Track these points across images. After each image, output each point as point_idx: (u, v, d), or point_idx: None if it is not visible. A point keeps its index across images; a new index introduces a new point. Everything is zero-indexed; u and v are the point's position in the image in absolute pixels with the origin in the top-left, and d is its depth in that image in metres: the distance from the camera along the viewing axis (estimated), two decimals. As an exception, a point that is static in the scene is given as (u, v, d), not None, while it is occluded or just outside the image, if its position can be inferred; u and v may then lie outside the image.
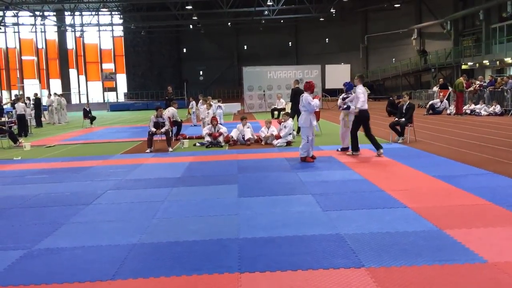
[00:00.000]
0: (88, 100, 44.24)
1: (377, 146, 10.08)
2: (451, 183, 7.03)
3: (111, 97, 50.72)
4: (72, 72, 49.57)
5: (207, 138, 13.14)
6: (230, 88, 49.49)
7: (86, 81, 50.86)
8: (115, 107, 41.80)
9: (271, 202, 6.37)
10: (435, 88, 26.42)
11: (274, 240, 4.76)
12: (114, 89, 51.42)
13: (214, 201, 6.52)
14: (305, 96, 9.67)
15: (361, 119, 10.12)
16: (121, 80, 51.88)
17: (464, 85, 20.40)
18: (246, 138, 13.07)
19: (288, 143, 12.45)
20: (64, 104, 26.77)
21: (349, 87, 10.86)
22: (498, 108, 19.15)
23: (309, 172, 8.50)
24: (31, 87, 44.55)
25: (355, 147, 10.23)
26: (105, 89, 50.66)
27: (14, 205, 6.65)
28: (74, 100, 48.89)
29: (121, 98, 50.98)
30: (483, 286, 3.53)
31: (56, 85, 47.76)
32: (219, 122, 14.17)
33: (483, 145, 11.02)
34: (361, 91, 10.05)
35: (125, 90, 51.75)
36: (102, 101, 48.57)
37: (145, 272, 4.00)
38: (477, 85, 21.11)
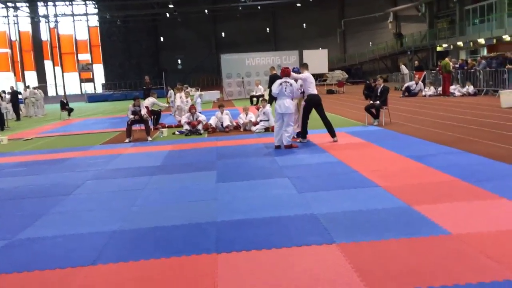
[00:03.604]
0: (65, 92, 43.69)
1: (332, 134, 10.02)
2: (422, 162, 7.29)
3: (88, 88, 50.16)
4: (48, 64, 48.82)
5: (186, 127, 13.21)
6: (209, 76, 49.35)
7: (62, 72, 50.18)
8: (93, 98, 41.39)
9: (249, 187, 6.52)
10: (405, 71, 26.81)
11: (251, 222, 4.93)
12: (91, 80, 50.85)
13: (193, 188, 6.65)
14: (294, 83, 9.71)
15: (310, 104, 10.08)
16: (98, 71, 51.30)
17: (451, 65, 20.68)
18: (224, 125, 13.19)
19: (267, 129, 12.60)
20: (41, 96, 26.45)
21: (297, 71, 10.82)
22: (471, 89, 19.57)
23: (286, 156, 8.68)
24: (6, 80, 43.79)
25: (303, 134, 10.13)
26: (82, 80, 50.06)
27: (-7, 198, 6.69)
28: (51, 92, 48.19)
29: (99, 89, 50.46)
30: (447, 256, 3.75)
31: (31, 77, 47.01)
32: (197, 111, 14.25)
33: (456, 125, 11.34)
34: (303, 76, 10.04)
35: (103, 81, 51.19)
36: (79, 92, 48.02)
37: (125, 257, 4.13)
38: (451, 67, 21.48)
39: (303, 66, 10.38)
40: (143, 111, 12.66)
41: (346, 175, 6.82)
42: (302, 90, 10.34)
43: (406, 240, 4.12)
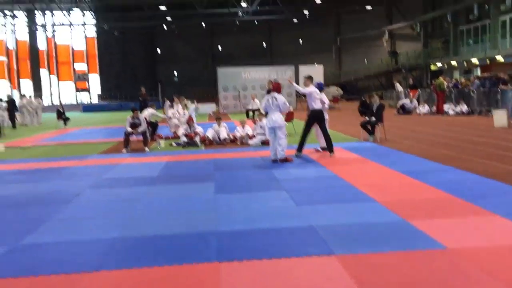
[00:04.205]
0: (60, 101, 43.70)
1: (331, 149, 10.17)
2: (417, 178, 7.42)
3: (83, 98, 50.18)
4: (44, 73, 48.82)
5: (183, 138, 13.32)
6: (205, 88, 49.49)
7: (58, 81, 50.18)
8: (88, 108, 41.42)
9: (247, 198, 6.63)
10: (400, 88, 27.13)
11: (251, 233, 5.03)
12: (87, 89, 50.89)
13: (192, 198, 6.75)
14: (280, 97, 9.91)
15: (313, 119, 10.27)
16: (94, 81, 51.36)
17: (446, 84, 20.99)
18: (221, 137, 13.32)
19: (263, 143, 12.73)
20: (39, 105, 26.45)
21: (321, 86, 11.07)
22: (465, 108, 19.86)
23: (283, 169, 8.80)
24: (1, 88, 43.77)
25: (300, 148, 10.22)
26: (77, 90, 50.07)
27: (-7, 205, 6.74)
28: (46, 101, 48.14)
29: (94, 99, 50.48)
30: (442, 269, 3.87)
31: (27, 85, 47.00)
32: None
33: (450, 143, 11.53)
34: (307, 91, 10.26)
35: (99, 91, 51.25)
36: (75, 102, 48.01)
37: (129, 263, 4.21)
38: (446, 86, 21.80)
39: (308, 79, 10.50)
40: (143, 127, 12.75)
41: (343, 189, 6.95)
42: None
43: (403, 253, 4.23)
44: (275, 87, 10.16)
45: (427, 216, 5.36)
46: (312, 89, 10.18)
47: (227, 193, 6.96)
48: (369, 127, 12.61)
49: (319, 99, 10.25)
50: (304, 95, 10.91)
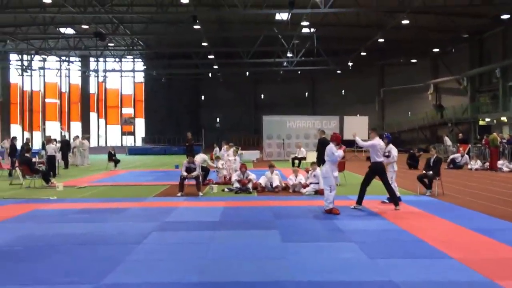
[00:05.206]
0: (106, 143, 45.14)
1: (396, 202, 9.96)
2: (490, 236, 7.16)
3: (129, 141, 51.57)
4: (93, 116, 50.72)
5: (236, 184, 13.40)
6: (245, 135, 50.09)
7: (106, 124, 51.91)
8: (133, 151, 42.44)
9: (315, 248, 6.55)
10: (449, 142, 26.64)
11: (329, 285, 4.94)
12: (132, 133, 52.34)
13: (260, 245, 6.74)
14: (330, 147, 9.91)
15: (375, 172, 10.17)
16: (139, 125, 52.86)
17: (499, 140, 20.56)
18: (274, 185, 13.32)
19: (316, 192, 12.64)
20: (88, 146, 27.37)
21: (389, 139, 10.99)
22: (519, 165, 19.27)
23: (345, 220, 8.67)
24: (53, 129, 45.58)
25: (359, 199, 10.05)
26: (123, 133, 51.58)
27: (66, 242, 6.91)
28: (93, 143, 49.72)
29: (138, 142, 51.78)
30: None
31: (76, 127, 48.78)
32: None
33: (510, 200, 11.13)
34: (368, 144, 10.20)
35: (143, 135, 52.61)
36: (120, 144, 49.34)
37: (215, 309, 4.19)
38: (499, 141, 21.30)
39: (374, 130, 10.49)
40: (197, 171, 12.95)
41: (414, 243, 6.77)
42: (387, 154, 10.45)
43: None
44: (333, 138, 10.14)
45: (514, 277, 5.13)
46: (375, 141, 10.13)
47: (294, 242, 6.91)
48: (426, 181, 12.37)
49: (382, 151, 10.19)
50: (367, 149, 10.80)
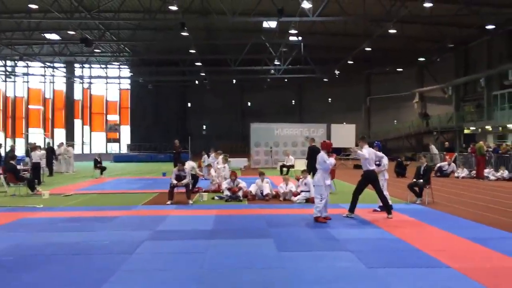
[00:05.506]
0: (91, 150, 44.60)
1: (389, 211, 9.92)
2: (484, 245, 7.16)
3: (114, 148, 51.05)
4: (77, 122, 50.11)
5: (226, 192, 13.28)
6: (232, 142, 49.95)
7: (90, 131, 51.37)
8: (119, 158, 41.97)
9: (312, 257, 6.49)
10: (435, 150, 26.88)
11: (330, 295, 4.86)
12: (117, 140, 51.88)
13: (256, 254, 6.66)
14: (321, 154, 9.88)
15: (367, 180, 10.11)
16: (125, 132, 52.43)
17: (485, 149, 20.75)
18: (264, 193, 13.23)
19: (307, 200, 12.58)
20: (72, 153, 26.98)
21: (380, 147, 10.99)
22: (506, 173, 19.46)
23: (339, 229, 8.62)
24: (36, 135, 44.89)
25: (352, 208, 9.99)
26: (108, 140, 51.08)
27: (57, 252, 6.75)
28: (78, 150, 49.08)
29: (124, 149, 51.30)
30: None
31: (60, 134, 48.14)
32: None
33: (501, 209, 11.20)
34: (370, 153, 10.15)
35: (128, 142, 52.16)
36: (104, 151, 48.80)
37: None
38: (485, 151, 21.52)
39: (362, 139, 10.46)
40: (188, 179, 12.81)
41: (411, 253, 6.74)
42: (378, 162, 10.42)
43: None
44: (324, 146, 10.11)
45: (514, 286, 5.12)
46: (370, 150, 10.15)
47: (289, 251, 6.83)
48: (417, 189, 12.40)
49: (373, 160, 10.16)
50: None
